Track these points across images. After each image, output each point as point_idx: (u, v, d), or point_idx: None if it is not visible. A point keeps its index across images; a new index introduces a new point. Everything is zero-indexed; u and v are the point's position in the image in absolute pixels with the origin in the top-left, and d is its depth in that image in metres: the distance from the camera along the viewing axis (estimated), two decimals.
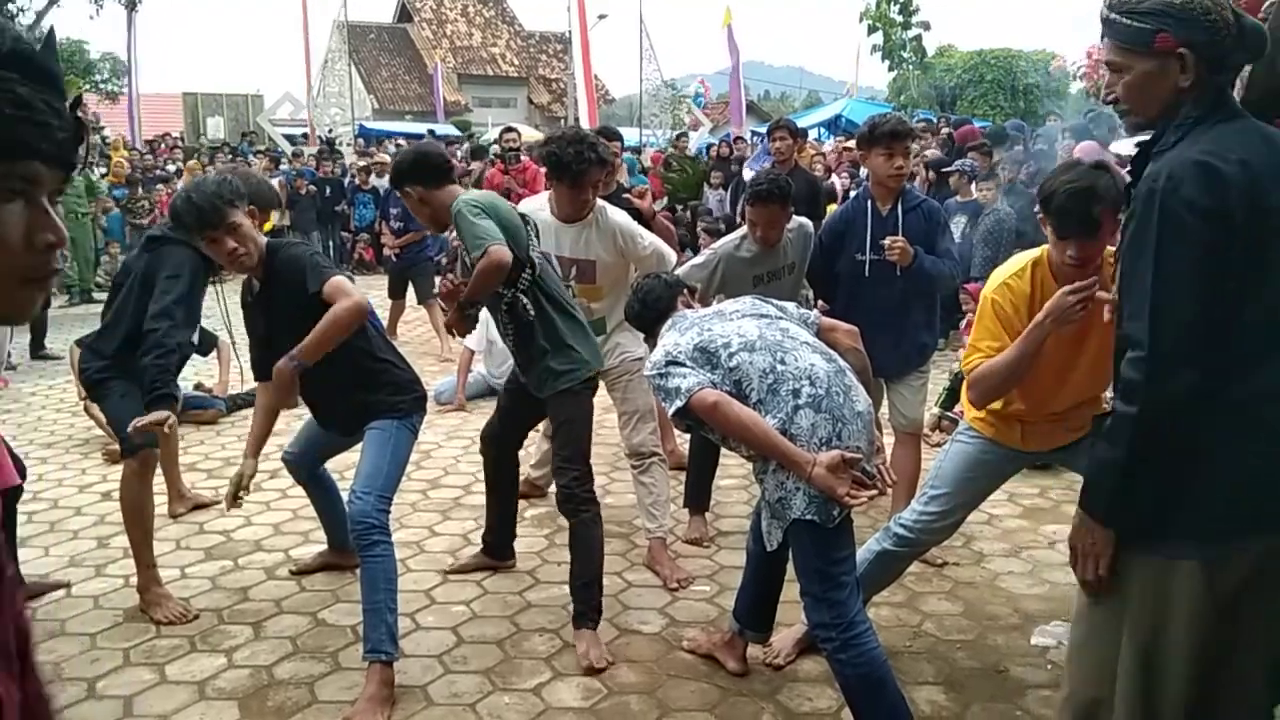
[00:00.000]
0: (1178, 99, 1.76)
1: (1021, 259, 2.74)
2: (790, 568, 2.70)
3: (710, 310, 2.85)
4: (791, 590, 3.49)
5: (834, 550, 2.50)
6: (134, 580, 3.61)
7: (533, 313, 3.19)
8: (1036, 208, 2.59)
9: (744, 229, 4.03)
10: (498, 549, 3.82)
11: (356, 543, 2.97)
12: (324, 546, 3.86)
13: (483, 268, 2.90)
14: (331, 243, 13.75)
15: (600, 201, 3.79)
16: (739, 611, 3.03)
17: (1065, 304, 2.42)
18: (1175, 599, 1.80)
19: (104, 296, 4.70)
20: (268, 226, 12.15)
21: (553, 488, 4.62)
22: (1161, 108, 1.79)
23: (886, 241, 3.74)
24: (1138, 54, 1.77)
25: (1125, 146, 4.89)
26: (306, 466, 3.63)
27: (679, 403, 2.50)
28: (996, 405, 2.83)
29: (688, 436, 4.40)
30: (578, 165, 3.54)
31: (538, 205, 3.89)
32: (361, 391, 3.16)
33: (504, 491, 3.77)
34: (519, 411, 3.63)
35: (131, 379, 3.54)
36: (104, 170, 13.64)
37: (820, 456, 2.39)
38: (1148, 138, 1.86)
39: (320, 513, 3.79)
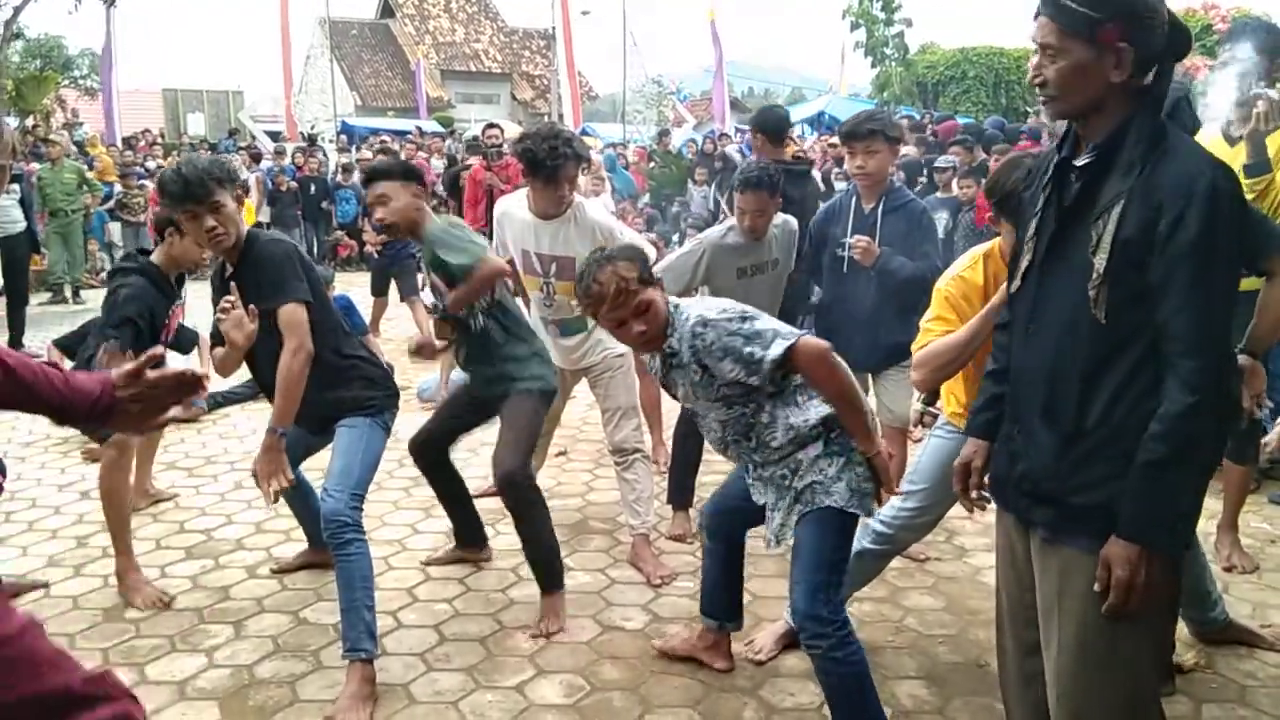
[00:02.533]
0: (1106, 93, 1.75)
1: (973, 253, 2.80)
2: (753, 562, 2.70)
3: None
4: (771, 587, 3.50)
5: (850, 544, 2.56)
6: (113, 580, 3.59)
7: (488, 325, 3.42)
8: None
9: (731, 220, 4.04)
10: (469, 540, 3.85)
11: (330, 541, 2.95)
12: (305, 545, 3.84)
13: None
14: (315, 239, 13.70)
15: (578, 198, 3.78)
16: (715, 609, 3.00)
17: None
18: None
19: (89, 295, 4.67)
20: (249, 221, 12.09)
21: None
22: (1086, 100, 1.77)
23: (850, 240, 3.76)
24: (1077, 40, 1.73)
25: None
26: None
27: (784, 344, 2.39)
28: (964, 396, 2.86)
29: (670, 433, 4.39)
30: (552, 161, 3.54)
31: (516, 203, 3.89)
32: (330, 389, 3.13)
33: (451, 492, 3.80)
34: (458, 420, 3.72)
35: None
36: (86, 166, 13.52)
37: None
38: (1089, 158, 1.82)
39: (297, 513, 3.76)
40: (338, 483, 2.99)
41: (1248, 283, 3.45)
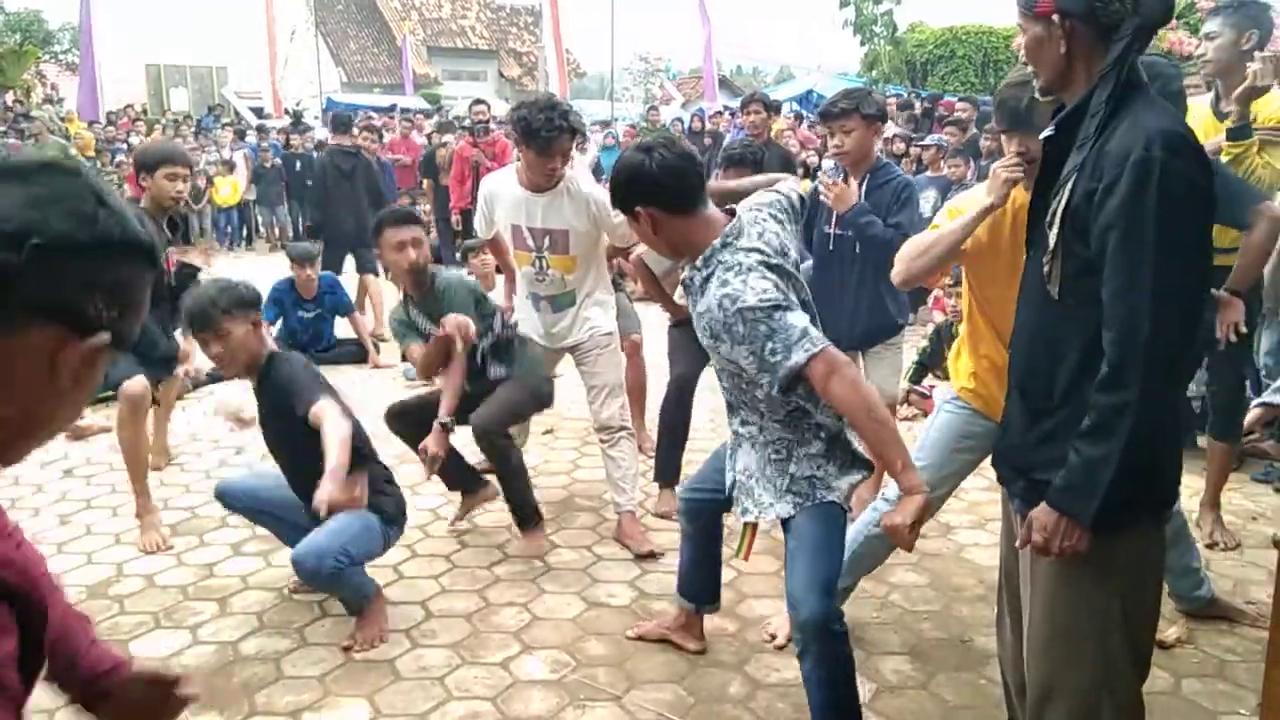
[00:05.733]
0: (1067, 64, 1.76)
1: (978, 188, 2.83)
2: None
3: None
4: (762, 564, 3.51)
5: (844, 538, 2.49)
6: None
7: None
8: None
9: None
10: (465, 483, 3.99)
11: (312, 582, 3.07)
12: None
13: None
14: (301, 217, 13.59)
15: (570, 171, 3.76)
16: (691, 591, 2.98)
17: (995, 178, 2.51)
18: (1152, 563, 1.89)
19: None
20: (233, 200, 12.10)
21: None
22: (1053, 72, 1.80)
23: (825, 180, 3.75)
24: (1028, 17, 1.79)
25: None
26: (244, 506, 3.47)
27: (806, 352, 2.10)
28: (972, 367, 2.85)
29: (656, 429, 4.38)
30: (547, 132, 3.51)
31: (504, 180, 3.86)
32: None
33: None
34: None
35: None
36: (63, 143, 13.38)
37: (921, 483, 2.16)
38: (1051, 131, 1.84)
39: (286, 540, 3.44)
40: (326, 539, 2.95)
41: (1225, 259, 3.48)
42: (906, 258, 2.74)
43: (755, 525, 2.50)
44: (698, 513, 2.87)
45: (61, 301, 0.86)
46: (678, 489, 2.99)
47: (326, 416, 2.95)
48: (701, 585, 2.98)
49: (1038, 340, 1.87)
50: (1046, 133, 1.84)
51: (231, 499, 3.42)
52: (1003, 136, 2.57)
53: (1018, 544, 1.82)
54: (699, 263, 2.28)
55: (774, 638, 3.08)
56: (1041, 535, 1.77)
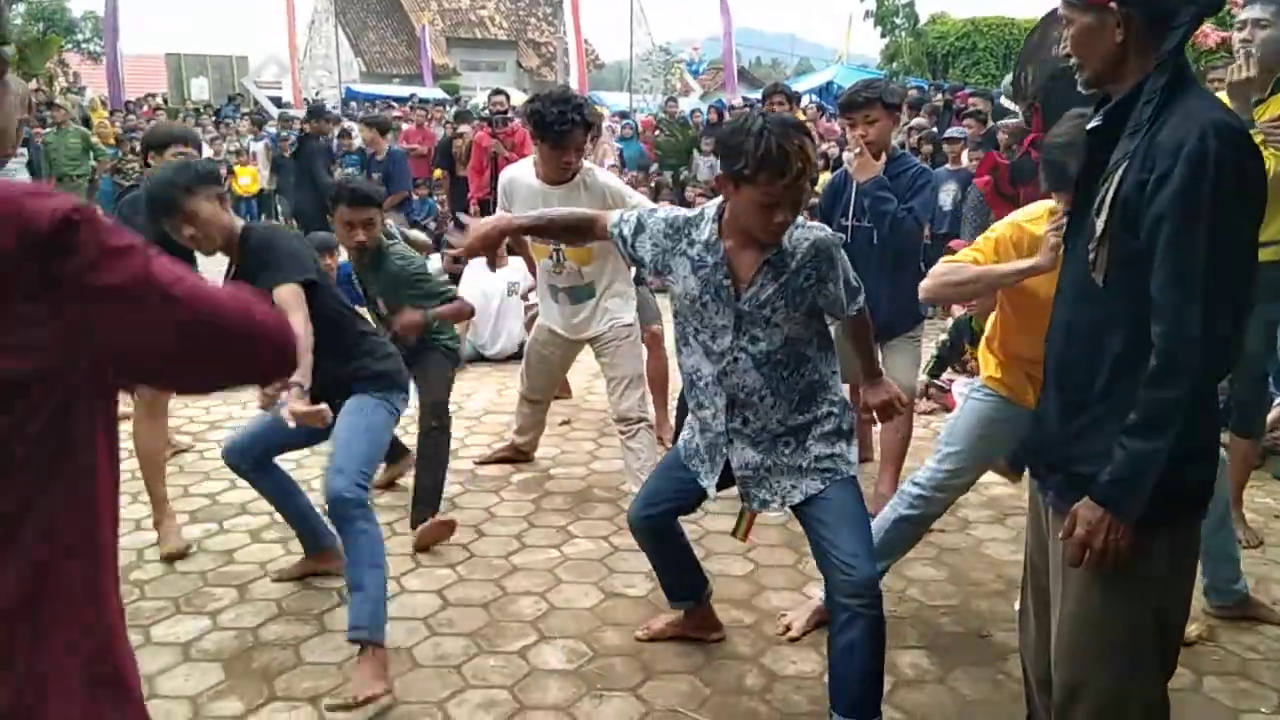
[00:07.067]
0: (1121, 55, 1.74)
1: (1040, 205, 2.78)
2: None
3: None
4: (775, 556, 3.51)
5: None
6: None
7: None
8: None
9: None
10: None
11: (334, 520, 2.88)
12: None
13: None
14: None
15: (587, 163, 3.76)
16: (682, 593, 2.96)
17: (1045, 241, 2.53)
18: (1187, 561, 1.89)
19: None
20: (253, 189, 12.14)
21: (539, 452, 4.65)
22: (1104, 63, 1.77)
23: (850, 153, 3.76)
24: (1078, 7, 1.77)
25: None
26: (251, 457, 3.29)
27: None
28: (999, 358, 2.87)
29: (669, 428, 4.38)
30: (560, 125, 3.51)
31: (523, 170, 3.86)
32: (336, 360, 2.98)
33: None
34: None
35: None
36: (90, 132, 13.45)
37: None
38: (1098, 121, 1.83)
39: (282, 512, 3.45)
40: (341, 459, 2.91)
41: (1267, 253, 3.44)
42: (942, 282, 2.76)
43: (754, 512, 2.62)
44: (655, 528, 2.84)
45: None
46: (629, 510, 2.92)
47: (289, 310, 2.73)
48: (686, 583, 2.96)
49: (1077, 332, 1.85)
50: (1094, 123, 1.82)
51: (236, 456, 3.28)
52: (1051, 195, 2.57)
53: (1060, 536, 1.80)
54: (786, 243, 2.40)
55: (789, 629, 3.08)
56: (1085, 529, 1.75)
